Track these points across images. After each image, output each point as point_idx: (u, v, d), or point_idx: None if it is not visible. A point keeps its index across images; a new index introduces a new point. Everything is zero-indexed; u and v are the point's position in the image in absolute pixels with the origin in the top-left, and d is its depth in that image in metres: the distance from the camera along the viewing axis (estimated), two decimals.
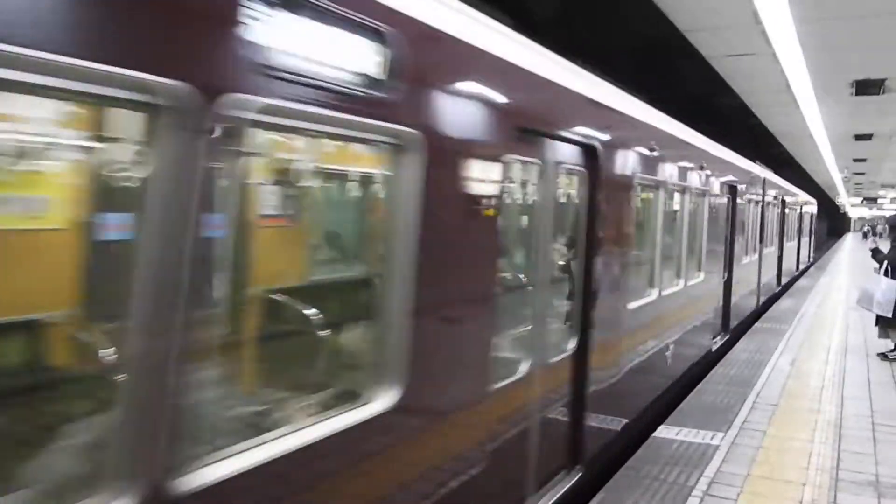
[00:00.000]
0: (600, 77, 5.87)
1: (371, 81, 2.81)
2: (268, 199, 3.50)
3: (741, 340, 11.63)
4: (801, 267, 27.22)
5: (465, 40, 3.55)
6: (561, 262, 5.35)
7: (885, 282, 10.11)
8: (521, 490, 4.55)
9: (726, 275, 11.40)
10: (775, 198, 17.36)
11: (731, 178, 11.29)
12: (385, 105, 2.90)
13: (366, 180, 3.79)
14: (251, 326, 3.22)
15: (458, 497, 3.65)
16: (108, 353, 2.44)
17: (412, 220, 3.13)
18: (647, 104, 7.14)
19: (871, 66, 11.23)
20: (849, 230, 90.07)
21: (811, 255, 32.89)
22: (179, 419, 2.17)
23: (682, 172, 8.15)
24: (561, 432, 5.19)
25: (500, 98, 3.88)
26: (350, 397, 3.09)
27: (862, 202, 65.08)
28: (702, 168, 9.02)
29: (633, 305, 6.56)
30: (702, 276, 9.46)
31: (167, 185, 2.10)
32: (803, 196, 25.19)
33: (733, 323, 12.15)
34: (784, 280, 20.32)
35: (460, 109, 3.49)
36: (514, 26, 4.40)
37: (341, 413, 2.90)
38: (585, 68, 5.56)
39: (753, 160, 14.42)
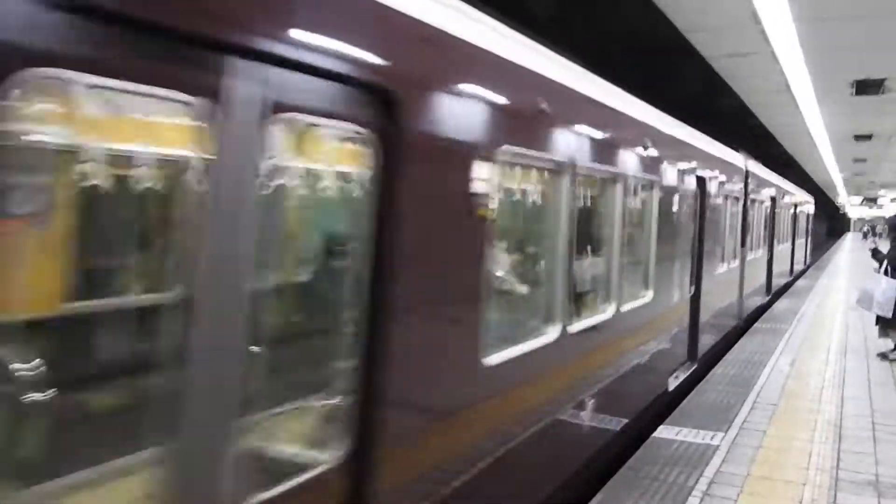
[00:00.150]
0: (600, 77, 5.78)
1: None
2: None
3: (741, 341, 11.61)
4: (798, 270, 24.96)
5: None
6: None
7: (885, 282, 10.11)
8: None
9: (693, 289, 9.15)
10: (763, 194, 15.41)
11: (697, 166, 9.06)
12: None
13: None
14: None
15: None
16: None
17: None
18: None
19: (871, 66, 11.22)
20: (848, 230, 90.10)
21: (808, 257, 30.05)
22: None
23: (606, 151, 5.92)
24: None
25: None
26: None
27: (862, 202, 65.10)
28: (645, 148, 6.75)
29: (494, 361, 4.03)
30: (648, 295, 7.13)
31: None
32: (798, 193, 23.72)
33: (704, 348, 9.86)
34: (775, 288, 18.22)
35: None
36: (514, 26, 4.39)
37: None
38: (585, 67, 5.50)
39: (737, 149, 12.56)
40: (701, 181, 9.34)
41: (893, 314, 9.92)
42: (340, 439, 2.92)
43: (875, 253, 11.27)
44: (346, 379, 2.96)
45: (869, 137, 19.91)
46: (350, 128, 2.93)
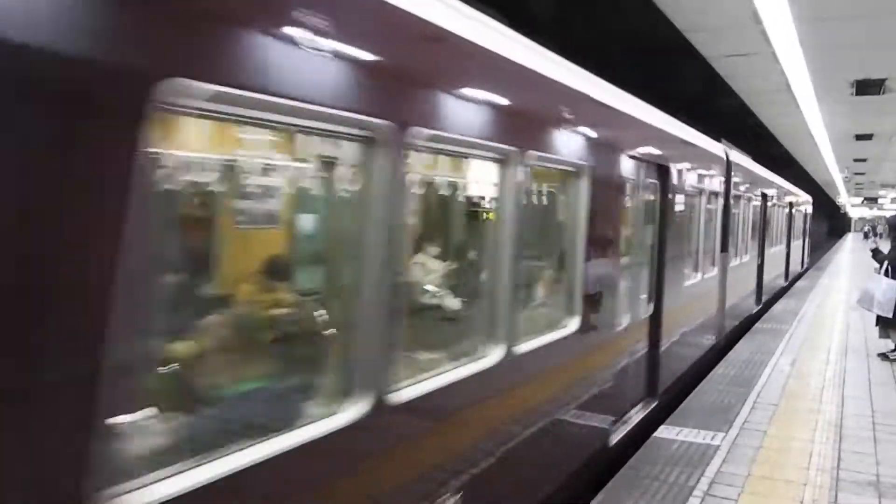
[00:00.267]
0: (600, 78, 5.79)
1: None
2: None
3: (741, 342, 11.60)
4: (794, 273, 23.35)
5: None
6: None
7: (886, 282, 10.12)
8: None
9: (652, 307, 7.51)
10: (751, 190, 13.53)
11: (655, 152, 7.18)
12: None
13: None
14: None
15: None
16: None
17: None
18: None
19: (871, 66, 11.22)
20: (849, 230, 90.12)
21: (805, 260, 27.80)
22: None
23: (519, 128, 4.37)
24: None
25: None
26: None
27: (862, 202, 65.10)
28: (564, 121, 4.96)
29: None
30: (570, 324, 5.24)
31: None
32: (794, 190, 22.31)
33: (669, 379, 8.17)
34: (766, 297, 16.39)
35: None
36: (514, 26, 4.40)
37: None
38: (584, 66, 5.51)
39: (718, 139, 10.94)
40: (663, 171, 7.45)
41: (894, 314, 9.93)
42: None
43: (876, 253, 11.28)
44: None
45: (869, 137, 19.92)
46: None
